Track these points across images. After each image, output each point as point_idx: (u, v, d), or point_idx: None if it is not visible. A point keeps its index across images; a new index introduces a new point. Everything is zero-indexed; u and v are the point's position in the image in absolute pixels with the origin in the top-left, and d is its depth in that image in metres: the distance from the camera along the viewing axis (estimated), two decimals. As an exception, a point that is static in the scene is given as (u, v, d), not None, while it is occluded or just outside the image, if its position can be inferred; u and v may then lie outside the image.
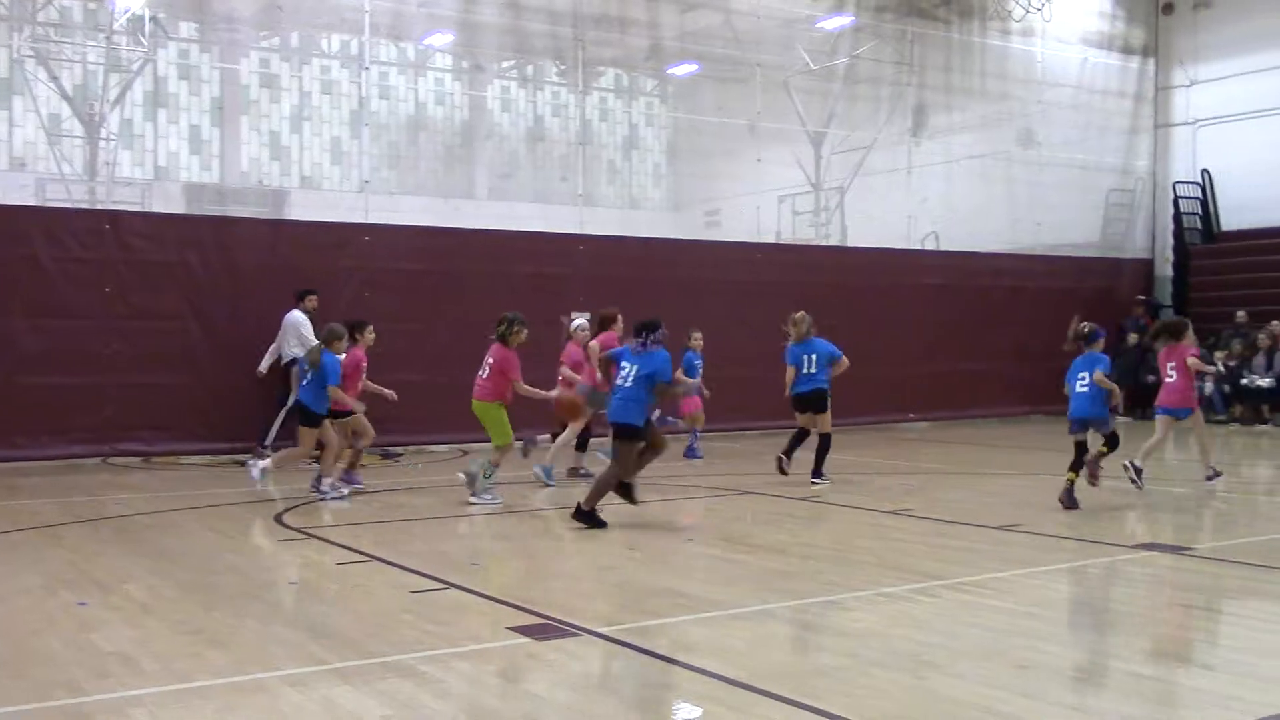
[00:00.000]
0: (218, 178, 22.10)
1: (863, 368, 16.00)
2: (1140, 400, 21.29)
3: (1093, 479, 10.31)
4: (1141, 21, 23.85)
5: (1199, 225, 23.33)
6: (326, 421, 10.91)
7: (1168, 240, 23.65)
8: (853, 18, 20.90)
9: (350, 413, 11.14)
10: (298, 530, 9.18)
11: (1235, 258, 22.47)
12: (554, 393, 11.17)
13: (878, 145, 21.36)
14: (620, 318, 12.16)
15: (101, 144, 16.11)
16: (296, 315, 14.31)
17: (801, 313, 12.30)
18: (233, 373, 14.49)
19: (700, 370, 14.12)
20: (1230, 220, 22.98)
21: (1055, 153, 22.66)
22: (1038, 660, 5.45)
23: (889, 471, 12.77)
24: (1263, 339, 20.06)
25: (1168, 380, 11.17)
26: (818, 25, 21.15)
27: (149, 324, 14.15)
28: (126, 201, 16.54)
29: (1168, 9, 23.86)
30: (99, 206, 15.30)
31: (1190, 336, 11.33)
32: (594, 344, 12.04)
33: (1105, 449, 10.46)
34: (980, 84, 22.10)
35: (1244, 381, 19.90)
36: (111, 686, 5.06)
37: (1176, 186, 23.42)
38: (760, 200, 22.11)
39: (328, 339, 10.91)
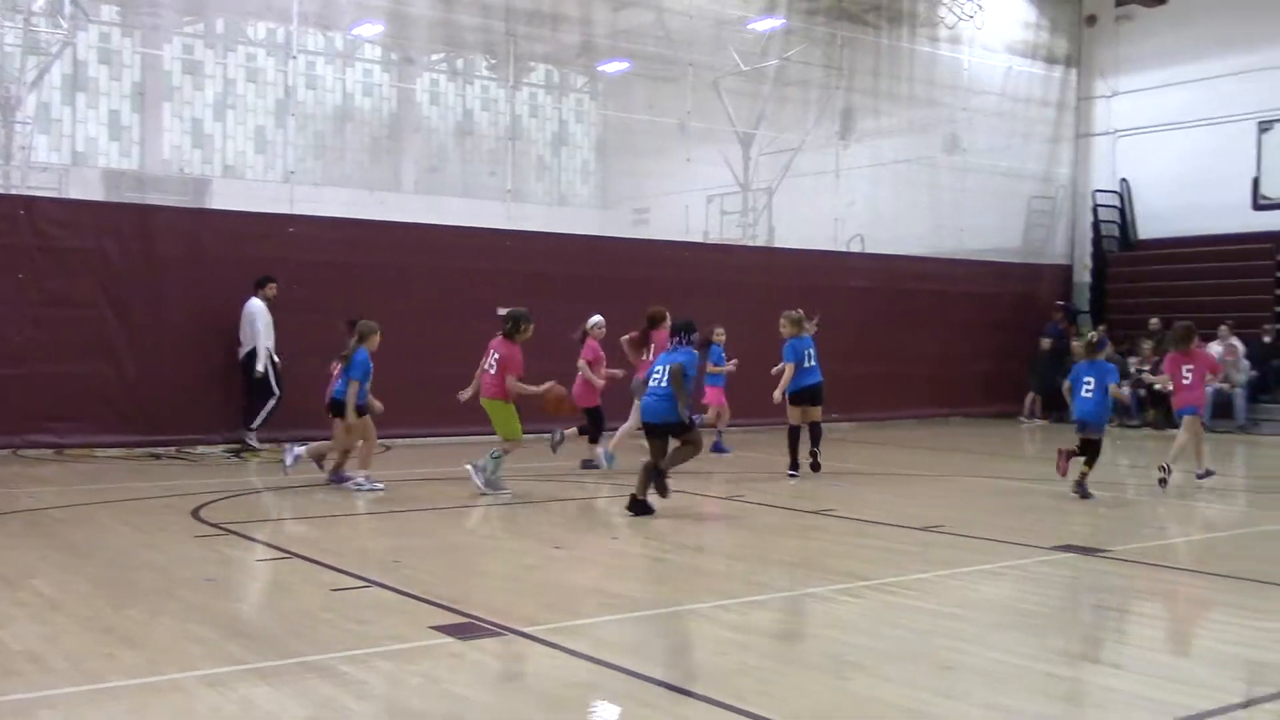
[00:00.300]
0: (138, 164, 21.64)
1: (788, 368, 16.10)
2: (1058, 404, 21.71)
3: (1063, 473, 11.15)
4: (1065, 32, 24.26)
5: (1117, 233, 23.80)
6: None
7: (1086, 247, 24.10)
8: (784, 20, 21.01)
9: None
10: (216, 526, 8.99)
11: (1150, 265, 22.97)
12: (545, 385, 10.94)
13: (806, 147, 21.50)
14: (668, 315, 12.03)
15: (17, 128, 15.67)
16: (254, 304, 14.20)
17: (800, 309, 12.86)
18: (150, 364, 14.20)
19: (725, 363, 14.61)
20: (1146, 229, 23.48)
21: (979, 159, 22.98)
22: (960, 661, 5.50)
23: (813, 472, 12.83)
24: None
25: (1184, 382, 11.80)
26: (749, 26, 21.24)
27: (64, 312, 13.80)
28: (42, 187, 16.11)
29: (1091, 21, 24.30)
30: (13, 192, 14.88)
31: (1197, 341, 12.14)
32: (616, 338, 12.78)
33: (1086, 466, 11.09)
34: (908, 89, 22.33)
35: (1157, 387, 20.31)
36: (19, 686, 4.90)
37: (1096, 195, 23.87)
38: (689, 199, 22.18)
39: (364, 335, 10.95)
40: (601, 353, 12.95)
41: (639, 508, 9.62)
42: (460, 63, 24.58)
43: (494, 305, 16.42)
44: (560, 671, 5.34)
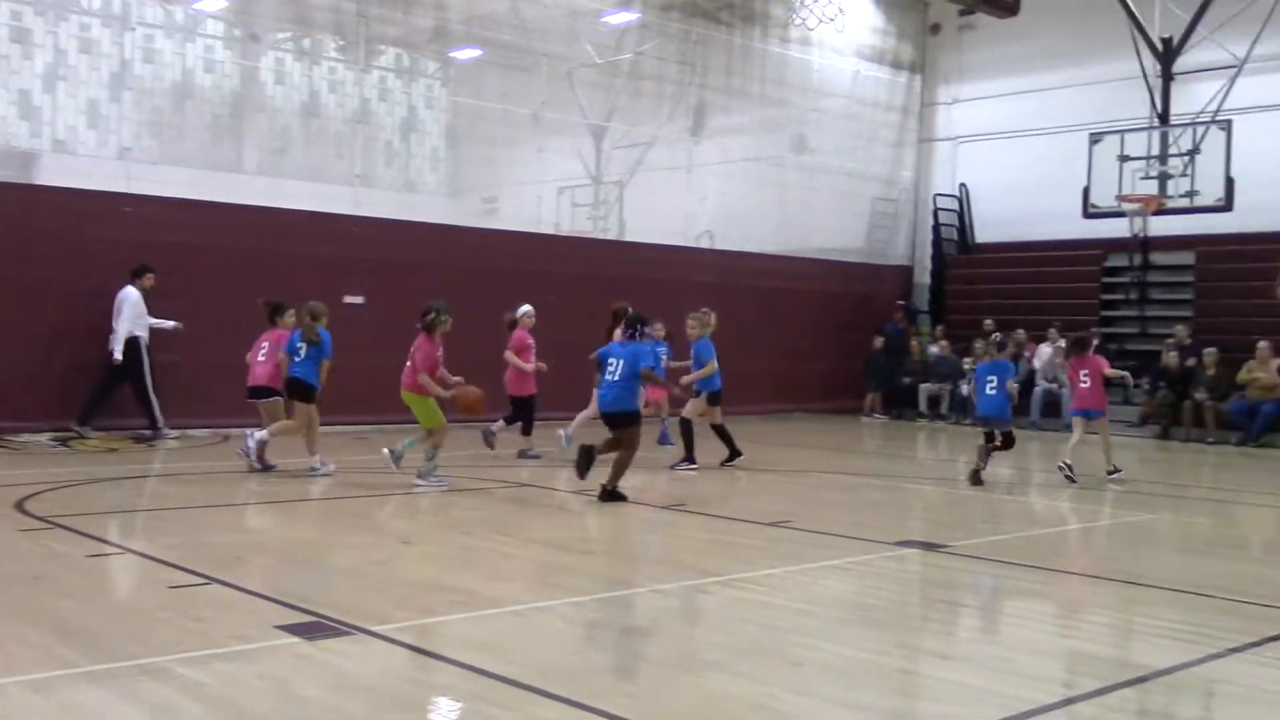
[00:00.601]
0: (-42, 136, 20.45)
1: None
2: (897, 400, 22.32)
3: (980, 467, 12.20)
4: (911, 39, 24.90)
5: (955, 236, 24.57)
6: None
7: (927, 249, 24.83)
8: (638, 14, 21.04)
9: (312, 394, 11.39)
10: (42, 519, 8.56)
11: (986, 268, 23.79)
12: (452, 390, 10.95)
13: (658, 142, 21.59)
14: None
15: None
16: (129, 293, 13.84)
17: (706, 309, 13.24)
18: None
19: (664, 359, 14.02)
20: (984, 233, 24.29)
21: (827, 160, 23.43)
22: (810, 657, 5.56)
23: (662, 466, 12.90)
24: (1011, 347, 21.22)
25: (1082, 386, 13.03)
26: (603, 19, 21.21)
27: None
28: None
29: (935, 29, 25.01)
30: None
31: (1092, 347, 13.40)
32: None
33: (1000, 446, 12.19)
34: (759, 89, 22.61)
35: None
36: None
37: (936, 199, 24.60)
38: (540, 190, 22.04)
39: (316, 315, 11.31)
40: (530, 340, 13.39)
41: (613, 497, 10.15)
42: (307, 43, 23.89)
43: (342, 292, 16.13)
44: (411, 671, 5.22)
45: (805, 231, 23.00)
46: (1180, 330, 19.86)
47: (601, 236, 21.31)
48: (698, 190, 21.86)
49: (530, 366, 13.22)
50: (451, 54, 24.18)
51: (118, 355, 13.63)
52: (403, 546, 8.07)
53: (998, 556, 8.28)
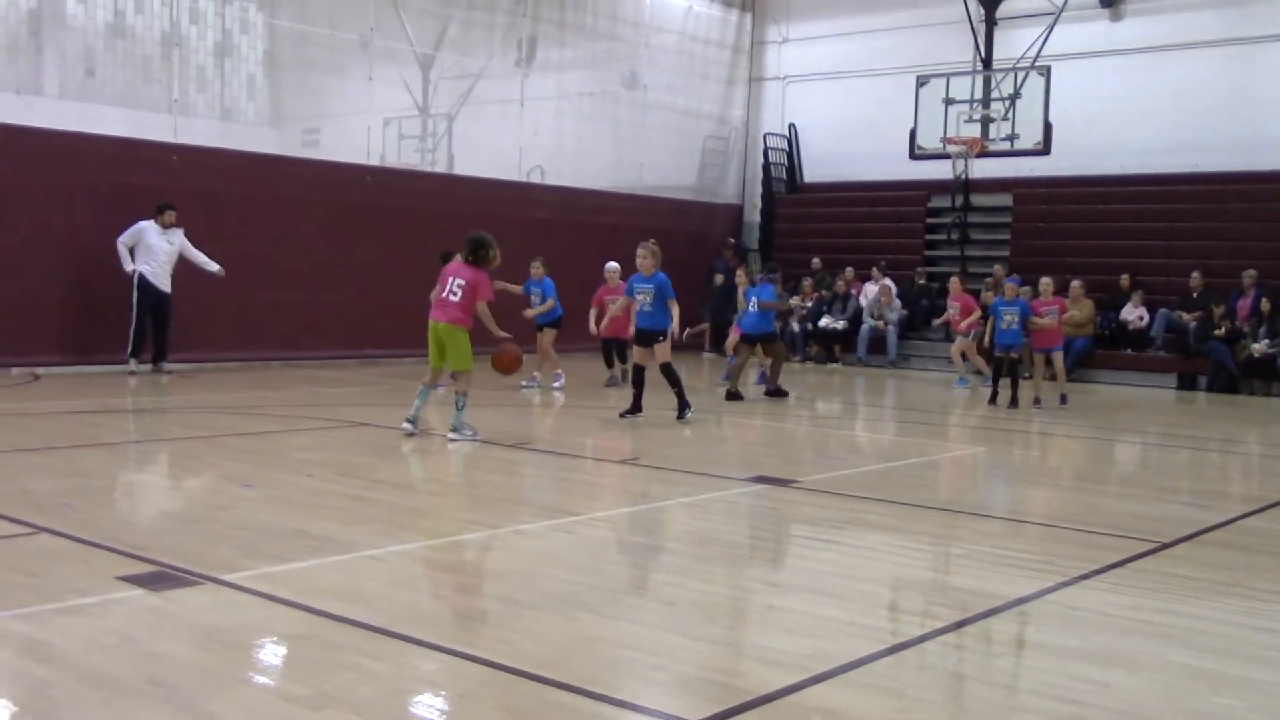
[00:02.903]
0: None
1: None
2: (721, 338, 22.53)
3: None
4: (740, -24, 24.94)
5: (785, 176, 24.86)
6: None
7: (756, 188, 25.07)
8: (466, -59, 20.48)
9: None
10: None
11: (814, 208, 24.16)
12: (504, 336, 10.41)
13: (489, 75, 21.14)
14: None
15: None
16: (141, 226, 14.27)
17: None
18: None
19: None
20: (812, 173, 24.65)
21: (659, 97, 23.35)
22: (681, 596, 5.51)
23: (498, 404, 12.69)
24: (839, 285, 21.70)
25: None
26: (427, -55, 20.58)
27: None
28: None
29: (764, -33, 25.10)
30: None
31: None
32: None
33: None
34: (592, 23, 22.34)
35: (822, 323, 21.48)
36: None
37: (766, 138, 24.81)
38: (368, 121, 21.34)
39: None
40: (606, 297, 14.78)
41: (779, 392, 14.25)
42: (111, -41, 22.45)
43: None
44: (271, 622, 4.95)
45: (638, 169, 22.94)
46: (998, 270, 20.53)
47: (430, 170, 20.79)
48: (529, 125, 21.52)
49: (595, 329, 14.92)
50: (271, -26, 23.08)
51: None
52: (243, 490, 7.69)
53: (848, 491, 8.39)
